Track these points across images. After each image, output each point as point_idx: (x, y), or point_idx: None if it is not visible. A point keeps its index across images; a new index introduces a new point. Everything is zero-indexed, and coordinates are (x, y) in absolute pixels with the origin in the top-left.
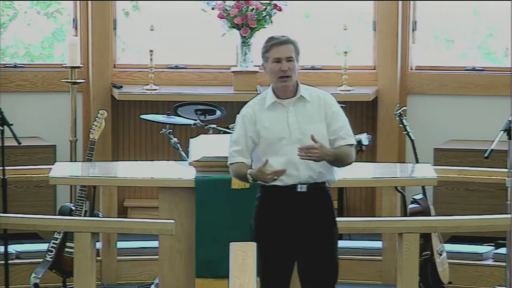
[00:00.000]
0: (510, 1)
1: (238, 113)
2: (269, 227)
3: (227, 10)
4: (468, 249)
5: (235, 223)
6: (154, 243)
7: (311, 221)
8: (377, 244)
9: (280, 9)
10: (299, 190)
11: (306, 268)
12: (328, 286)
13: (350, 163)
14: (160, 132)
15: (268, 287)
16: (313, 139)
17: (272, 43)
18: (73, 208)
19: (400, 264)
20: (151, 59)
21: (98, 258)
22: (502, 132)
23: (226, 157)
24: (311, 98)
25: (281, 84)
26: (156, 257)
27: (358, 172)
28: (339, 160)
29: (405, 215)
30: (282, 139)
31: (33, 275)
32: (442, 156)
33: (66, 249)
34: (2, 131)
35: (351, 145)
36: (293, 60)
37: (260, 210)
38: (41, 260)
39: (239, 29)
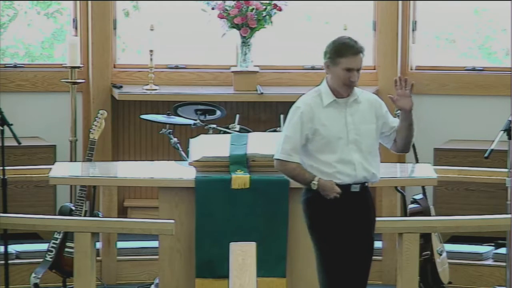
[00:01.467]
0: (510, 1)
1: (238, 113)
2: (328, 226)
3: (227, 10)
4: (468, 249)
5: (235, 223)
6: (154, 243)
7: (363, 220)
8: (377, 244)
9: (280, 9)
10: (352, 190)
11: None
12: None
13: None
14: (160, 132)
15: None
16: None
17: (347, 52)
18: (73, 208)
19: (400, 264)
20: (151, 59)
21: (98, 258)
22: (502, 132)
23: (226, 157)
24: (362, 99)
25: (345, 90)
26: (156, 257)
27: None
28: (412, 129)
29: (405, 215)
30: (340, 138)
31: (33, 275)
32: (442, 156)
33: (66, 249)
34: (2, 131)
35: None
36: (361, 68)
37: (316, 209)
38: (41, 260)
39: (239, 29)
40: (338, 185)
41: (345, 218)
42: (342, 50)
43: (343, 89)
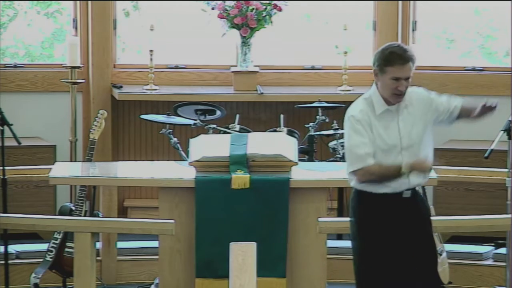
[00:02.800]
0: (510, 1)
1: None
2: (377, 234)
3: (227, 10)
4: (468, 249)
5: (235, 223)
6: (154, 243)
7: (416, 225)
8: None
9: (280, 9)
10: (404, 196)
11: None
12: None
13: None
14: (160, 132)
15: None
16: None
17: (396, 61)
18: (73, 208)
19: None
20: (151, 59)
21: (98, 258)
22: (502, 132)
23: (226, 157)
24: (412, 101)
25: (394, 99)
26: (156, 257)
27: None
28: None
29: None
30: (395, 146)
31: (33, 275)
32: (442, 156)
33: (66, 249)
34: (2, 131)
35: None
36: (410, 77)
37: (366, 216)
38: (41, 260)
39: (239, 29)
40: (389, 193)
41: (393, 223)
42: (390, 59)
43: (392, 98)
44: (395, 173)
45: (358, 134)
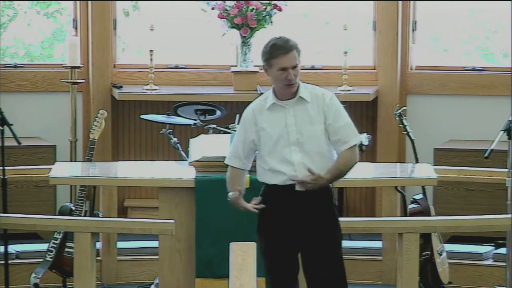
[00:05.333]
0: (510, 1)
1: (238, 113)
2: (270, 225)
3: (227, 10)
4: (468, 249)
5: (235, 223)
6: (154, 243)
7: (311, 221)
8: (377, 244)
9: (280, 9)
10: (297, 189)
11: (310, 271)
12: None
13: (352, 167)
14: (160, 132)
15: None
16: (310, 171)
17: (278, 52)
18: (73, 208)
19: (400, 264)
20: (151, 59)
21: (98, 258)
22: (502, 132)
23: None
24: (311, 98)
25: (287, 90)
26: (156, 257)
27: (358, 172)
28: (340, 176)
29: (405, 215)
30: (279, 140)
31: (33, 275)
32: (442, 156)
33: (66, 249)
34: (2, 131)
35: (353, 146)
36: (297, 65)
37: (262, 208)
38: (41, 260)
39: (239, 29)
40: (281, 186)
41: (289, 217)
42: (273, 51)
43: (285, 90)
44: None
45: (237, 133)
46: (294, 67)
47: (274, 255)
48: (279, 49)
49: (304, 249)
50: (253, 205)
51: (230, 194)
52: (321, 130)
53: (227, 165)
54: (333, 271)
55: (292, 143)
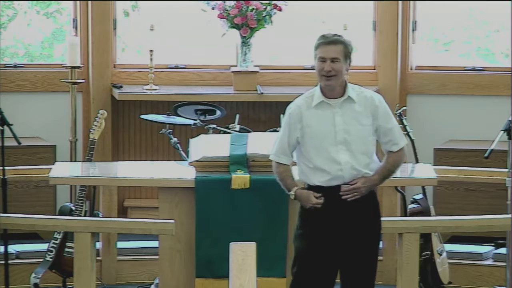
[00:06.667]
0: (510, 1)
1: (238, 113)
2: (314, 228)
3: (227, 10)
4: (468, 249)
5: (235, 223)
6: (154, 243)
7: (355, 223)
8: None
9: (280, 9)
10: (342, 194)
11: (348, 273)
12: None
13: (400, 167)
14: (160, 132)
15: None
16: (352, 183)
17: (321, 42)
18: (73, 208)
19: (400, 264)
20: (151, 59)
21: (98, 258)
22: (502, 132)
23: (226, 157)
24: (358, 98)
25: (324, 82)
26: (156, 257)
27: None
28: (388, 176)
29: (405, 215)
30: (326, 138)
31: (33, 275)
32: (442, 156)
33: (66, 249)
34: (2, 131)
35: (402, 148)
36: (339, 61)
37: (304, 210)
38: (41, 260)
39: (239, 29)
40: (325, 187)
41: (333, 219)
42: (317, 42)
43: (323, 83)
44: (287, 189)
45: (282, 129)
46: (334, 59)
47: (311, 258)
48: (322, 40)
49: (343, 255)
50: (317, 201)
51: (294, 189)
52: (368, 131)
53: (274, 162)
54: (366, 282)
55: (339, 142)
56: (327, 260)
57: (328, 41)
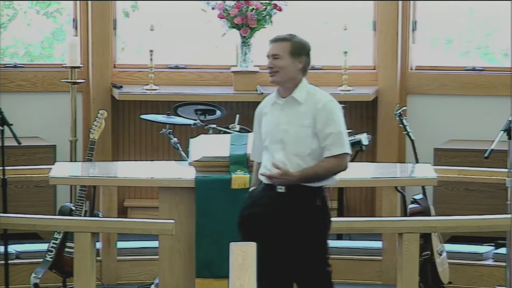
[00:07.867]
0: (510, 1)
1: (238, 113)
2: (251, 224)
3: (227, 10)
4: (468, 249)
5: (235, 223)
6: (154, 243)
7: (292, 223)
8: (377, 244)
9: (280, 9)
10: (278, 190)
11: (295, 274)
12: None
13: (335, 174)
14: (160, 132)
15: None
16: (275, 166)
17: (269, 41)
18: (73, 208)
19: (400, 264)
20: (151, 59)
21: (98, 258)
22: (502, 132)
23: (226, 157)
24: (305, 100)
25: (269, 79)
26: (156, 257)
27: (358, 172)
28: (314, 178)
29: (405, 215)
30: (269, 137)
31: (33, 275)
32: (442, 156)
33: (66, 249)
34: (2, 131)
35: (337, 155)
36: (280, 57)
37: (245, 205)
38: (41, 260)
39: (239, 29)
40: (265, 185)
41: (269, 216)
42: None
43: (270, 79)
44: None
45: (254, 128)
46: (274, 55)
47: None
48: (271, 39)
49: (288, 252)
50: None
51: (251, 189)
52: (307, 133)
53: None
54: (314, 276)
55: (277, 141)
56: (278, 261)
57: (273, 39)
